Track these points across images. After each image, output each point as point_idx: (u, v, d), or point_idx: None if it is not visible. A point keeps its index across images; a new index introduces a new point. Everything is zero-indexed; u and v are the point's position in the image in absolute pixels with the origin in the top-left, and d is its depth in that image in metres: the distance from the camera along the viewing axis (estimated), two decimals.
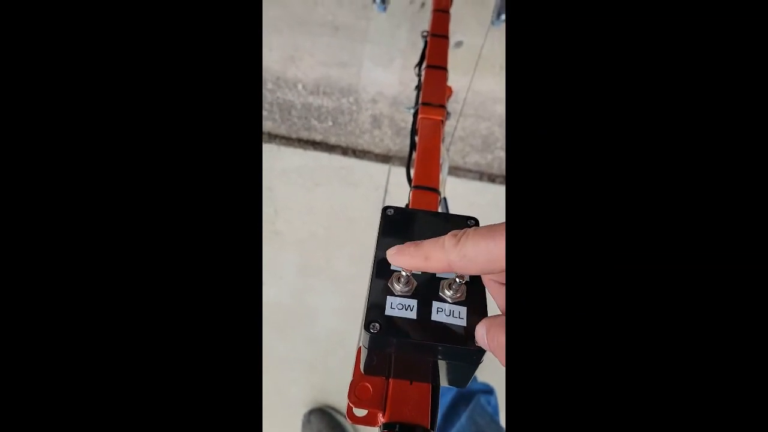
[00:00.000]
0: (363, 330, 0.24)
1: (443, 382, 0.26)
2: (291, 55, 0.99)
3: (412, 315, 0.24)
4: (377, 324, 0.24)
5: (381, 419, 0.25)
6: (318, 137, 1.08)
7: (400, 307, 0.24)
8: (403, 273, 0.25)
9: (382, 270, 0.26)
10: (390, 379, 0.26)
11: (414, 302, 0.24)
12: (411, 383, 0.26)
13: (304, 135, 1.08)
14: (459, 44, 0.93)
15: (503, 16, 0.77)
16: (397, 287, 0.25)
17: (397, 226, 0.28)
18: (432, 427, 0.25)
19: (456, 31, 0.91)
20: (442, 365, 0.25)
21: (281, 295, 1.16)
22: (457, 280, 0.24)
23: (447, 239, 0.22)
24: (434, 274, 0.26)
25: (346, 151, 1.08)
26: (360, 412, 0.26)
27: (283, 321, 1.17)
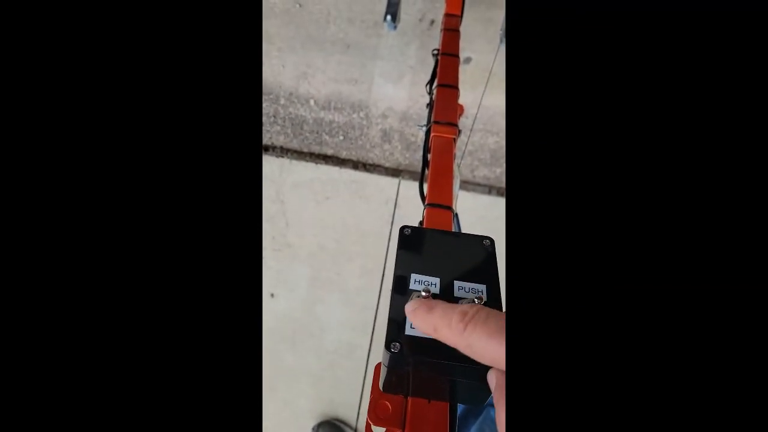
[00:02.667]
0: (384, 349, 0.25)
1: (461, 400, 0.27)
2: (304, 72, 1.01)
3: None
4: (398, 344, 0.24)
5: None
6: (329, 151, 1.10)
7: None
8: (423, 293, 0.25)
9: (400, 288, 0.27)
10: (408, 398, 0.27)
11: None
12: (429, 402, 0.27)
13: (316, 149, 1.10)
14: (468, 60, 0.95)
15: None
16: None
17: (414, 245, 0.29)
18: None
19: (465, 48, 0.92)
20: (460, 385, 0.25)
21: (292, 307, 1.17)
22: (476, 301, 0.25)
23: (455, 319, 0.21)
24: (452, 294, 0.26)
25: (356, 165, 1.10)
26: (379, 431, 0.27)
27: (293, 332, 1.17)
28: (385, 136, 1.06)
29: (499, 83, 0.93)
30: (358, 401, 1.10)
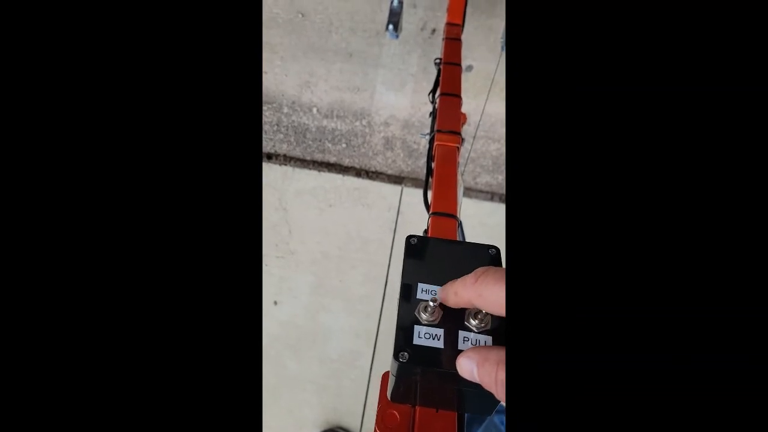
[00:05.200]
0: (392, 358, 0.25)
1: (468, 410, 0.27)
2: (306, 81, 1.02)
3: (439, 344, 0.25)
4: (406, 353, 0.24)
5: None
6: (332, 159, 1.10)
7: (427, 336, 0.25)
8: (430, 303, 0.26)
9: (408, 297, 0.27)
10: (416, 407, 0.27)
11: (441, 331, 0.25)
12: (437, 411, 0.27)
13: (319, 157, 1.11)
14: (469, 68, 0.95)
15: None
16: (424, 316, 0.26)
17: (420, 254, 0.29)
18: None
19: (466, 56, 0.93)
20: (467, 394, 0.25)
21: (295, 315, 1.16)
22: (483, 309, 0.25)
23: (470, 276, 0.23)
24: None
25: (359, 172, 1.10)
26: None
27: (297, 340, 1.17)
28: (388, 143, 1.07)
29: (500, 91, 0.94)
30: (362, 410, 1.09)
